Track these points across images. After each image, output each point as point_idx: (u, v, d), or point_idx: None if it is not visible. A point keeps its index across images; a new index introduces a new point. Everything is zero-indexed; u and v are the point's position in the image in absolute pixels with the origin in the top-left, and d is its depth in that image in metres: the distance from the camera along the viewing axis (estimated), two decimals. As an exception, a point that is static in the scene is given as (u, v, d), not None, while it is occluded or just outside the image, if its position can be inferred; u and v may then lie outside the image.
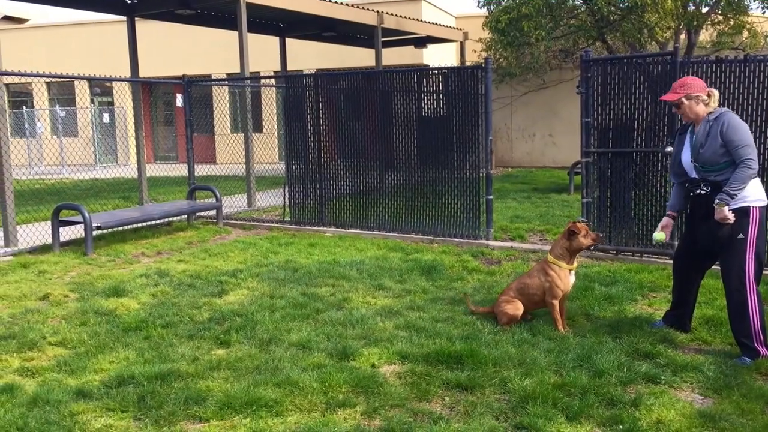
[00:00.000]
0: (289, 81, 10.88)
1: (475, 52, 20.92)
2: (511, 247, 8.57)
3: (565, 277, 5.32)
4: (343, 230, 9.94)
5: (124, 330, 5.55)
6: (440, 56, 22.49)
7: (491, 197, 8.97)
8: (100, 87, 28.10)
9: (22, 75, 9.50)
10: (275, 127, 23.56)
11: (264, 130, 23.39)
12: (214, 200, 10.94)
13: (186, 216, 10.99)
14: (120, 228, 10.02)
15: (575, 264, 5.45)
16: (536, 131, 21.42)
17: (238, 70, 13.04)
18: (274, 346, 5.08)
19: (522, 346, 4.92)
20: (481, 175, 9.03)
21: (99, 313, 6.03)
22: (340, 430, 3.72)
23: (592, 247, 6.52)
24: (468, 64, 19.72)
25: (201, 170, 12.35)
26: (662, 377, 4.34)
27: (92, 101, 28.02)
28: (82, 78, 10.25)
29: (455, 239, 8.99)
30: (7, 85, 9.25)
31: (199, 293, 6.66)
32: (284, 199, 10.83)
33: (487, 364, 4.56)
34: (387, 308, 5.98)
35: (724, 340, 5.00)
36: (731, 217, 4.58)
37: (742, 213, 4.60)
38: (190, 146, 11.68)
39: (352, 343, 5.04)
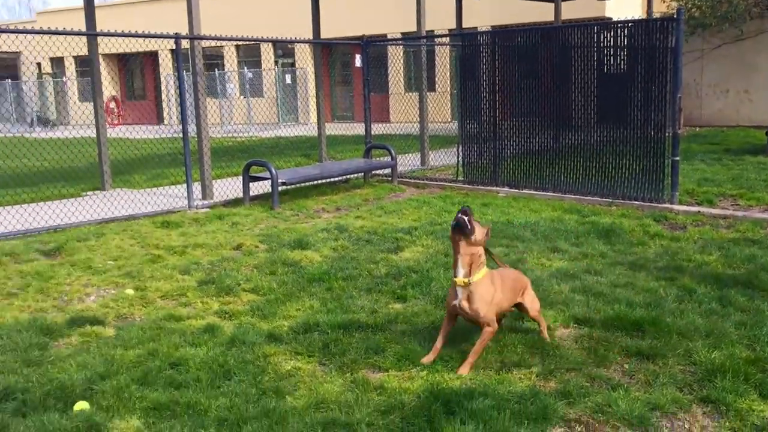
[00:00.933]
0: (465, 39, 10.81)
1: (664, 2, 19.55)
2: (698, 212, 8.05)
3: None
4: (516, 190, 9.82)
5: (309, 280, 5.90)
6: (624, 8, 21.24)
7: (677, 158, 8.45)
8: (283, 49, 29.48)
9: (217, 39, 10.20)
10: (448, 86, 23.56)
11: (437, 89, 23.45)
12: (390, 159, 11.20)
13: (362, 174, 11.37)
14: (302, 184, 10.58)
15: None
16: (730, 87, 19.73)
17: (412, 29, 13.13)
18: (449, 303, 5.17)
19: (710, 316, 4.65)
20: (666, 134, 8.51)
21: (286, 263, 6.45)
22: (515, 389, 3.74)
23: None
24: (655, 15, 18.46)
25: (375, 129, 12.68)
26: None
27: (276, 63, 29.51)
28: (269, 41, 10.81)
29: (636, 202, 8.59)
30: (202, 49, 9.97)
31: (376, 249, 6.91)
32: (457, 158, 10.87)
33: (671, 334, 4.37)
34: (563, 271, 5.88)
35: None
36: None
37: None
38: (368, 106, 12.00)
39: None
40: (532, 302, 4.49)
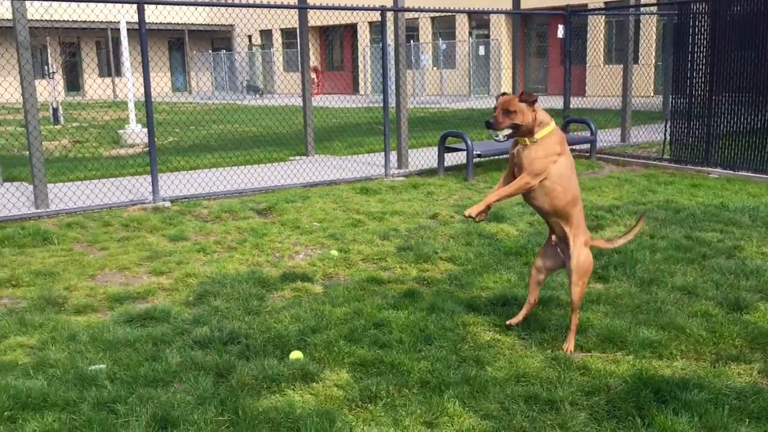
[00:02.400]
0: (680, 8, 10.07)
1: None
2: None
3: None
4: (731, 172, 9.07)
5: (505, 253, 5.86)
6: None
7: None
8: (477, 21, 29.25)
9: (421, 11, 10.34)
10: (652, 58, 22.16)
11: (640, 62, 22.15)
12: (589, 133, 10.79)
13: (559, 148, 11.04)
14: (496, 157, 10.50)
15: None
16: None
17: (620, -2, 12.47)
18: (656, 288, 4.92)
19: None
20: None
21: (481, 235, 6.45)
22: (734, 385, 3.48)
23: None
24: None
25: (571, 103, 12.23)
26: None
27: (470, 34, 29.37)
28: (470, 12, 10.77)
29: None
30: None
31: (577, 226, 6.70)
32: (664, 135, 10.22)
33: None
34: (788, 261, 5.36)
35: None
36: None
37: None
38: (568, 77, 11.61)
39: (746, 296, 4.64)
40: None
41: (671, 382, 3.47)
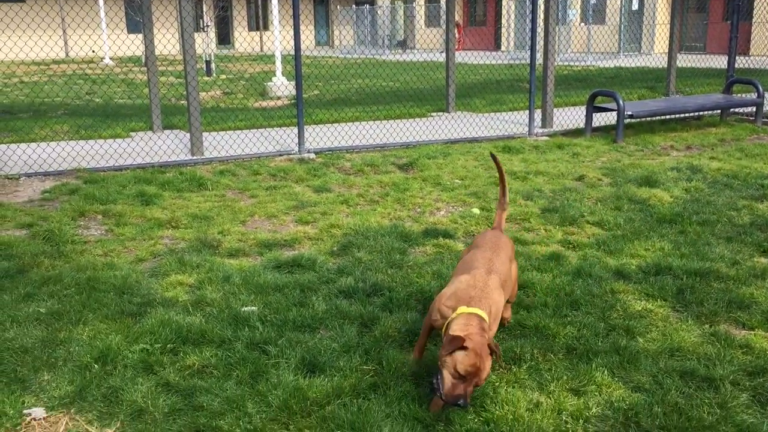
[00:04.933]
0: None
1: None
2: None
3: None
4: None
5: (658, 220, 5.55)
6: None
7: None
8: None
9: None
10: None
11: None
12: (755, 96, 9.94)
13: (719, 111, 10.28)
14: (648, 118, 9.93)
15: None
16: None
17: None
18: (831, 266, 4.48)
19: None
20: None
21: (632, 200, 6.14)
22: None
23: None
24: None
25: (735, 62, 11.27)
26: None
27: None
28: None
29: None
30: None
31: (736, 194, 6.24)
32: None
33: None
34: None
35: None
36: None
37: None
38: (735, 34, 10.71)
39: None
40: None
41: None
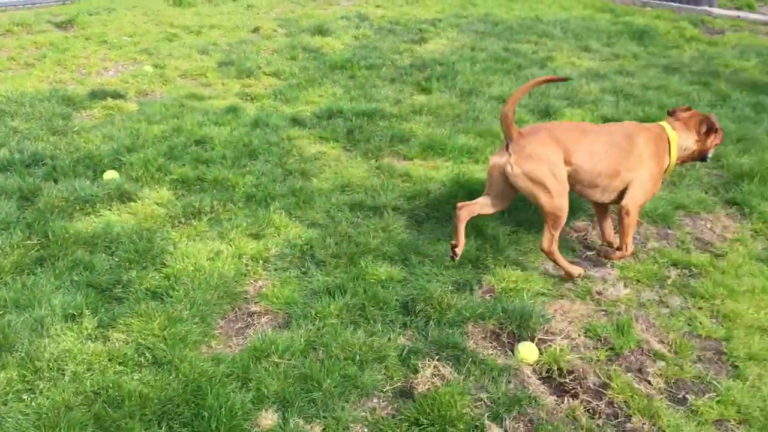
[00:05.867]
0: None
1: None
2: (738, 16, 7.66)
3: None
4: (547, -14, 9.29)
5: (331, 67, 5.74)
6: None
7: (724, -42, 7.89)
8: None
9: None
10: None
11: None
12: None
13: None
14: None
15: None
16: None
17: None
18: (475, 97, 5.07)
19: (742, 122, 4.56)
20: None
21: (306, 49, 6.24)
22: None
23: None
24: None
25: None
26: None
27: None
28: None
29: (673, 3, 8.15)
30: None
31: (399, 39, 6.66)
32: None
33: (700, 138, 4.31)
34: (593, 71, 5.70)
35: None
36: None
37: None
38: None
39: (554, 102, 4.91)
40: None
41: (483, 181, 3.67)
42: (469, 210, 2.91)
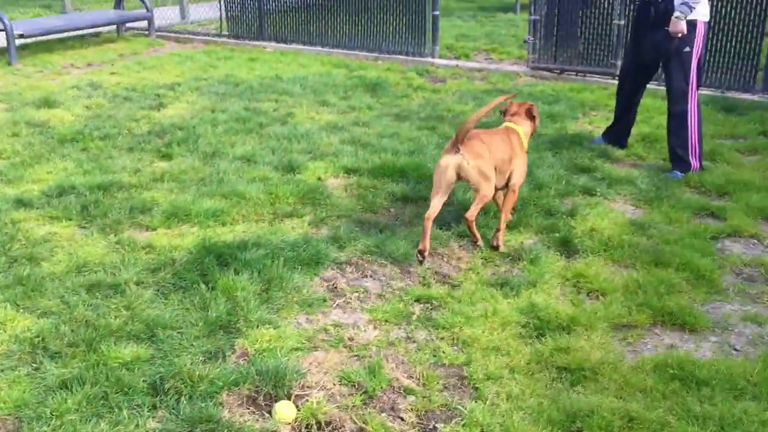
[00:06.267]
0: None
1: None
2: (456, 65, 8.46)
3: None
4: (284, 45, 9.57)
5: (60, 141, 5.38)
6: None
7: (437, 13, 8.69)
8: None
9: None
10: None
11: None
12: (144, 10, 10.28)
13: (115, 27, 10.35)
14: (45, 37, 9.41)
15: None
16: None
17: None
18: (218, 159, 5.03)
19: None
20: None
21: (31, 124, 5.80)
22: (288, 238, 3.78)
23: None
24: None
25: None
26: (598, 190, 4.51)
27: None
28: None
29: (401, 56, 8.79)
30: None
31: (136, 106, 6.44)
32: (220, 11, 10.25)
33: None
34: (332, 124, 5.93)
35: (658, 156, 5.20)
36: (685, 30, 4.57)
37: (691, 26, 4.60)
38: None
39: (298, 157, 5.02)
40: None
41: (233, 245, 3.62)
42: (434, 216, 3.54)
